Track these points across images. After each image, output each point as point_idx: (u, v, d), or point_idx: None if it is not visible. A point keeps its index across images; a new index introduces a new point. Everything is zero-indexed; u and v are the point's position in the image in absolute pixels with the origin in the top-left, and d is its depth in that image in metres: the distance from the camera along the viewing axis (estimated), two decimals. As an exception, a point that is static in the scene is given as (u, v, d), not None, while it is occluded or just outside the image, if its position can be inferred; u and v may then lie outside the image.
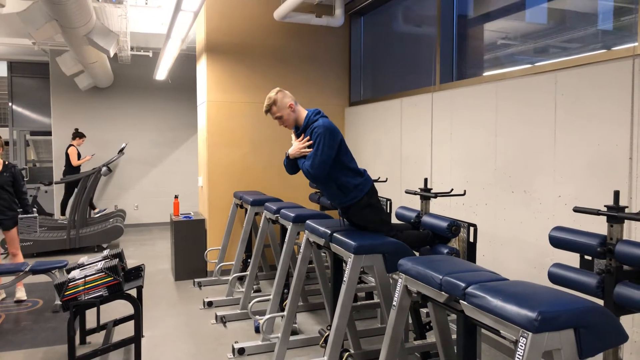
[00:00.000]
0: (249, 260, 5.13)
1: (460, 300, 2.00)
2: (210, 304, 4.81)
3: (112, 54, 6.27)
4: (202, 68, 5.95)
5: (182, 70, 8.82)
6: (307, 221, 3.56)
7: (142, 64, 8.96)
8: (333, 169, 3.12)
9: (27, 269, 4.49)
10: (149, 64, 8.68)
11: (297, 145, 3.17)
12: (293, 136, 3.31)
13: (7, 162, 5.04)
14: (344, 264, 3.19)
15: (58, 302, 4.47)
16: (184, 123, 9.62)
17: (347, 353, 3.07)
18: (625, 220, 2.34)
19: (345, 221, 3.42)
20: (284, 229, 4.26)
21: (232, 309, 4.60)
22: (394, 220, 3.72)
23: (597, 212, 2.39)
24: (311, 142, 3.09)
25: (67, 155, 8.32)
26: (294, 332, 3.93)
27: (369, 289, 4.61)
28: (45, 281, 5.23)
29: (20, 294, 5.04)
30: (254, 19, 5.89)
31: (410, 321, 3.42)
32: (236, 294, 4.94)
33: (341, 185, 3.17)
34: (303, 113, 3.23)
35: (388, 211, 4.09)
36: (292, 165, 3.27)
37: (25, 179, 9.21)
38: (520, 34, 4.34)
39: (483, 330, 3.01)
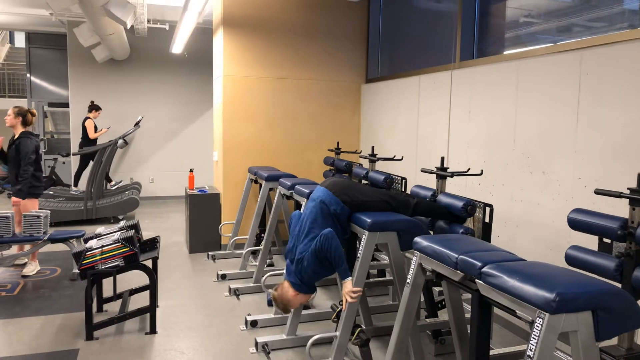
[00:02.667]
0: (262, 234, 5.17)
1: (476, 280, 1.99)
2: (223, 276, 4.87)
3: (129, 26, 6.24)
4: (219, 42, 5.90)
5: (198, 44, 8.78)
6: (322, 197, 3.55)
7: (158, 36, 8.92)
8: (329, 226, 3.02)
9: (45, 238, 4.58)
10: (166, 37, 8.64)
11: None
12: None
13: (22, 132, 4.98)
14: (357, 241, 3.20)
15: (76, 270, 4.58)
16: (200, 97, 9.61)
17: (359, 328, 3.10)
18: (648, 204, 2.28)
19: None
20: (298, 205, 4.26)
21: (245, 282, 4.66)
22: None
23: (619, 195, 2.34)
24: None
25: (83, 127, 8.39)
26: (306, 307, 3.97)
27: (381, 266, 4.62)
28: (63, 250, 5.34)
29: (29, 268, 4.93)
30: (271, -8, 5.80)
31: (422, 299, 3.43)
32: (249, 268, 4.99)
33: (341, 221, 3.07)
34: None
35: (403, 189, 4.06)
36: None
37: (42, 150, 9.26)
38: (543, 12, 4.20)
39: (495, 311, 3.00)
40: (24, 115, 5.02)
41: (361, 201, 3.11)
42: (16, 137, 4.99)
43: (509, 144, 3.83)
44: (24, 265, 5.06)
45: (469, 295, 2.24)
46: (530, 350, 1.66)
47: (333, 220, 3.02)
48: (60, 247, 5.14)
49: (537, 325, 1.66)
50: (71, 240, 4.71)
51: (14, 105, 5.13)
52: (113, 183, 8.84)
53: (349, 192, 3.12)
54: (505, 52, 4.30)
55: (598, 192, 2.47)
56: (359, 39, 6.31)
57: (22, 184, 4.88)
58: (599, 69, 3.09)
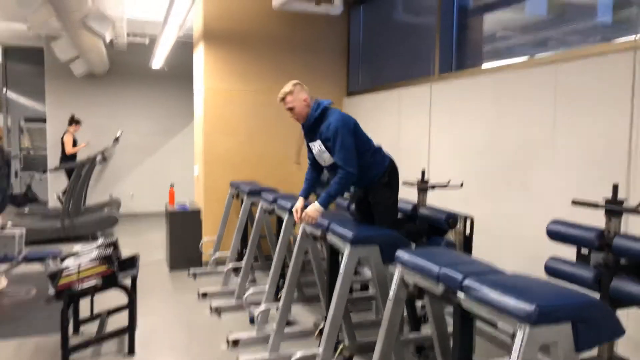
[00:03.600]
0: (244, 250, 5.11)
1: (458, 292, 1.99)
2: (205, 294, 4.79)
3: (108, 40, 6.19)
4: (199, 55, 5.88)
5: (178, 58, 8.72)
6: (304, 212, 3.53)
7: (138, 51, 8.86)
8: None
9: (20, 258, 4.45)
10: (146, 51, 8.58)
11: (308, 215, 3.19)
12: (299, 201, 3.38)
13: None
14: (340, 256, 3.18)
15: (51, 291, 4.45)
16: (181, 111, 9.53)
17: (342, 345, 3.07)
18: (624, 214, 2.32)
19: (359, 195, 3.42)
20: (280, 220, 4.23)
21: (227, 300, 4.58)
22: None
23: (595, 205, 2.37)
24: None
25: (62, 142, 8.24)
26: (289, 324, 3.92)
27: (364, 280, 4.60)
28: (38, 270, 5.19)
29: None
30: (252, 6, 5.81)
31: (405, 313, 3.41)
32: (231, 285, 4.92)
33: (361, 168, 3.15)
34: (311, 108, 3.24)
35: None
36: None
37: (9, 167, 8.96)
38: (520, 26, 4.29)
39: (478, 324, 3.00)
40: None
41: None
42: None
43: (488, 156, 3.87)
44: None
45: (451, 309, 2.24)
46: (512, 363, 1.65)
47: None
48: (36, 267, 4.99)
49: (518, 337, 1.66)
50: (47, 260, 4.58)
51: None
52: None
53: None
54: (483, 65, 4.36)
55: (575, 202, 2.51)
56: (340, 52, 6.36)
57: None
58: (572, 82, 3.16)
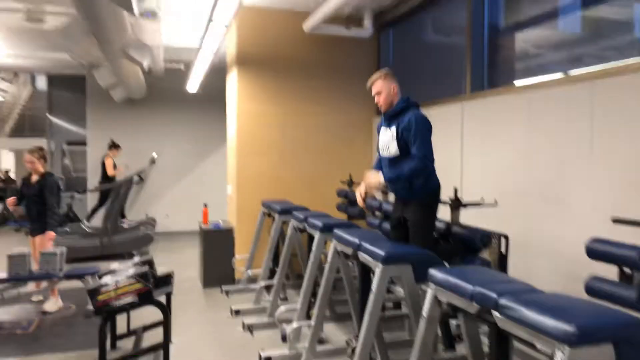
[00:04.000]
0: (276, 268, 5.14)
1: (493, 312, 1.95)
2: (237, 312, 4.83)
3: (146, 67, 6.44)
4: (233, 79, 6.04)
5: (212, 82, 8.96)
6: (335, 230, 3.55)
7: (174, 76, 9.17)
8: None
9: (60, 274, 4.61)
10: (181, 76, 8.87)
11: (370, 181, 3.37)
12: (372, 171, 3.49)
13: (45, 173, 5.07)
14: (371, 274, 3.16)
15: (90, 307, 4.57)
16: (214, 134, 9.77)
17: (375, 364, 3.03)
18: (668, 232, 2.24)
19: (398, 213, 3.47)
20: (311, 238, 4.25)
21: (259, 317, 4.61)
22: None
23: (638, 223, 2.30)
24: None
25: (103, 165, 8.55)
26: (321, 342, 3.90)
27: (396, 299, 4.54)
28: (78, 286, 5.35)
29: (49, 304, 4.98)
30: (284, 31, 5.96)
31: (439, 332, 3.35)
32: (263, 303, 4.94)
33: (412, 183, 3.27)
34: (396, 100, 3.39)
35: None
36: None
37: (60, 189, 9.38)
38: (553, 42, 4.25)
39: (515, 343, 2.92)
40: (45, 157, 5.12)
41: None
42: (36, 177, 5.05)
43: (523, 174, 3.81)
44: (42, 301, 5.08)
45: (487, 328, 2.19)
46: (552, 384, 1.60)
47: None
48: (75, 283, 5.15)
49: (557, 359, 1.61)
50: (86, 277, 4.72)
51: (30, 150, 5.11)
52: (125, 220, 8.89)
53: None
54: (516, 82, 4.33)
55: (616, 220, 2.44)
56: (370, 74, 6.29)
57: (51, 218, 4.98)
58: (610, 98, 3.10)
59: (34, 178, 5.07)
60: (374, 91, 3.39)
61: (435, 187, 3.35)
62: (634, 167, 2.92)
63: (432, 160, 3.22)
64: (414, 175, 3.21)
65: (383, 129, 3.45)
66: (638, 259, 2.24)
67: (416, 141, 3.18)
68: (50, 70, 10.75)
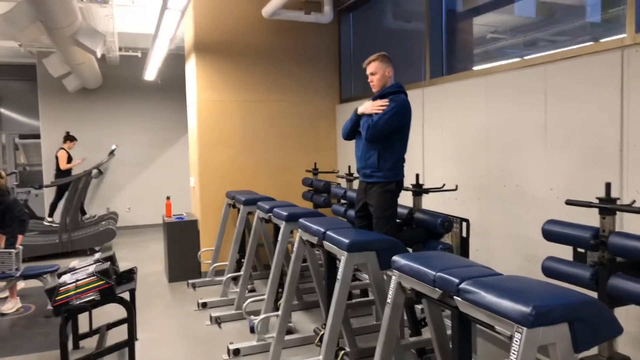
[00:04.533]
0: (242, 260, 5.10)
1: (454, 297, 1.99)
2: (204, 305, 4.78)
3: (99, 55, 6.20)
4: (192, 67, 5.90)
5: (171, 70, 8.74)
6: (300, 220, 3.54)
7: (130, 64, 8.88)
8: (386, 141, 3.30)
9: (18, 274, 4.44)
10: (138, 64, 8.60)
11: (372, 103, 3.34)
12: (368, 101, 3.45)
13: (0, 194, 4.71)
14: (337, 262, 3.18)
15: (50, 307, 4.42)
16: (175, 123, 9.54)
17: (343, 351, 3.06)
18: (617, 212, 2.34)
19: (361, 200, 3.48)
20: (277, 228, 4.23)
21: (227, 310, 4.57)
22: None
23: (589, 205, 2.39)
24: (386, 104, 3.27)
25: (57, 158, 8.23)
26: (289, 332, 3.91)
27: (363, 286, 4.59)
28: (36, 286, 5.17)
29: (8, 305, 4.77)
30: (242, 17, 5.84)
31: (405, 317, 3.41)
32: (230, 295, 4.91)
33: (382, 158, 3.31)
34: (390, 83, 3.42)
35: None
36: (354, 125, 3.46)
37: (14, 183, 9.02)
38: (509, 28, 4.33)
39: (478, 325, 3.01)
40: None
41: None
42: None
43: (482, 158, 3.89)
44: (1, 301, 4.88)
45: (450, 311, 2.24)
46: (511, 365, 1.66)
47: None
48: (34, 283, 4.98)
49: (515, 340, 1.66)
50: (44, 276, 4.56)
51: None
52: (87, 216, 8.63)
53: None
54: (474, 68, 4.39)
55: (569, 202, 2.52)
56: (331, 60, 6.39)
57: (10, 242, 4.65)
58: (562, 82, 3.18)
59: None
60: (368, 71, 3.42)
61: (400, 179, 3.40)
62: (586, 149, 3.02)
63: (377, 135, 3.27)
64: (368, 135, 3.29)
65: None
66: (590, 239, 2.33)
67: (386, 113, 3.24)
68: (-3, 60, 10.21)
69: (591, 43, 3.25)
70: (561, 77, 3.19)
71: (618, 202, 2.34)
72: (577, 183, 3.08)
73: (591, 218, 2.64)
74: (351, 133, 3.52)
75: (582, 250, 2.44)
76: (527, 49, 4.03)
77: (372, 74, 3.41)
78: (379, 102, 3.31)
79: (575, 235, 2.41)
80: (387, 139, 3.30)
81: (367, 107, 3.36)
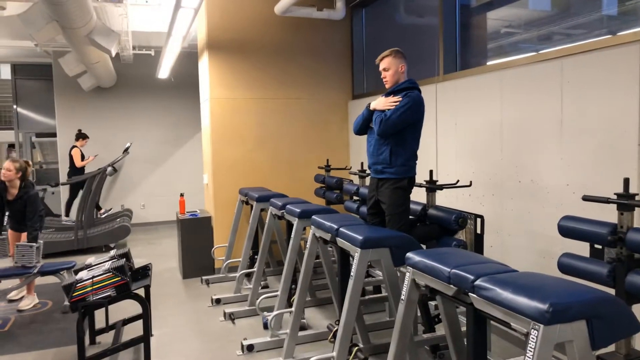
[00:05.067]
0: (255, 256, 5.13)
1: (469, 293, 1.98)
2: (218, 301, 4.81)
3: (114, 54, 6.26)
4: (204, 65, 5.93)
5: (184, 68, 8.80)
6: (313, 216, 3.55)
7: (144, 62, 8.94)
8: (398, 136, 3.27)
9: (35, 271, 4.51)
10: (152, 62, 8.66)
11: (385, 99, 3.32)
12: (381, 96, 3.43)
13: (24, 185, 4.79)
14: (350, 259, 3.18)
15: (67, 303, 4.49)
16: (188, 121, 9.60)
17: (356, 347, 3.06)
18: (636, 208, 2.30)
19: (373, 197, 3.47)
20: (290, 225, 4.24)
21: (240, 306, 4.60)
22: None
23: (607, 200, 2.35)
24: (399, 100, 3.24)
25: (70, 156, 8.34)
26: (303, 328, 3.92)
27: (376, 282, 4.59)
28: (54, 282, 5.25)
29: (25, 302, 4.87)
30: (254, 15, 5.85)
31: (419, 314, 3.40)
32: (244, 291, 4.94)
33: (394, 153, 3.29)
34: (403, 80, 3.38)
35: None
36: (366, 120, 3.44)
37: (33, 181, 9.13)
38: (523, 22, 4.28)
39: (493, 322, 3.00)
40: (24, 171, 4.79)
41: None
42: (17, 190, 4.77)
43: (496, 154, 3.85)
44: (20, 299, 4.97)
45: (464, 308, 2.23)
46: (527, 363, 1.64)
47: None
48: (51, 279, 5.05)
49: (532, 337, 1.64)
50: (61, 272, 4.63)
51: (12, 159, 4.83)
52: (103, 211, 8.75)
53: None
54: (488, 63, 4.35)
55: (586, 198, 2.49)
56: (344, 56, 6.37)
57: (32, 236, 4.69)
58: (579, 76, 3.14)
59: (13, 192, 4.76)
60: (381, 67, 3.40)
61: (412, 175, 3.37)
62: (603, 144, 2.98)
63: (388, 130, 3.24)
64: (381, 130, 3.26)
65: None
66: (607, 235, 2.30)
67: (399, 109, 3.21)
68: (14, 59, 10.36)
69: (608, 36, 3.20)
70: (578, 71, 3.14)
71: (637, 198, 2.30)
72: (593, 179, 3.04)
73: (608, 214, 2.61)
74: (362, 128, 3.50)
75: (599, 247, 2.41)
76: (541, 43, 3.98)
77: (385, 69, 3.38)
78: (392, 98, 3.29)
79: (592, 232, 2.38)
80: (399, 134, 3.27)
81: (380, 102, 3.34)
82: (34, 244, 4.52)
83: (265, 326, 4.09)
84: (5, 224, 4.91)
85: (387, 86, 3.41)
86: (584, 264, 2.41)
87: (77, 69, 7.99)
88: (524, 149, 3.58)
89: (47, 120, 11.12)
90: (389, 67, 3.36)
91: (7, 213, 4.88)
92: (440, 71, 4.61)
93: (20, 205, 4.79)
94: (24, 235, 4.81)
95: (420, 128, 3.37)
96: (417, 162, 3.42)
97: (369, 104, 3.42)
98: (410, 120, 3.25)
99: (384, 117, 3.24)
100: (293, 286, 4.09)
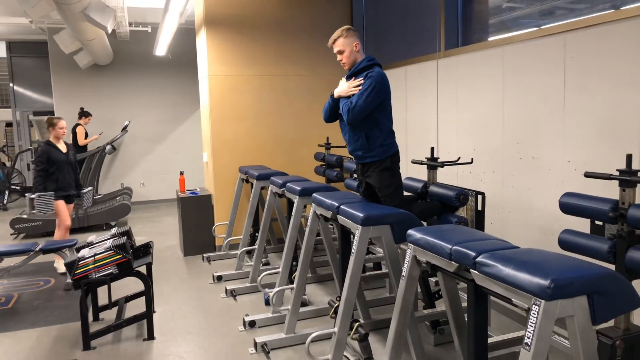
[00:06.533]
0: (256, 234, 5.15)
1: (471, 270, 1.99)
2: (219, 278, 4.85)
3: (109, 30, 6.17)
4: (202, 42, 5.84)
5: (182, 45, 8.70)
6: (314, 194, 3.55)
7: (141, 39, 8.83)
8: (369, 119, 3.14)
9: (37, 249, 4.53)
10: (148, 39, 8.54)
11: (347, 84, 3.19)
12: (342, 80, 3.30)
13: (66, 142, 5.35)
14: (351, 236, 3.19)
15: (69, 280, 4.53)
16: (187, 98, 9.54)
17: (357, 323, 3.10)
18: (638, 184, 2.30)
19: (361, 186, 3.41)
20: (290, 203, 4.25)
21: (242, 283, 4.65)
22: (401, 190, 3.69)
23: (609, 177, 2.35)
24: (362, 83, 3.10)
25: (74, 134, 8.30)
26: (304, 304, 3.96)
27: (376, 259, 4.62)
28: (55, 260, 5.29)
29: (60, 264, 5.18)
30: (253, -11, 5.74)
31: (419, 290, 3.43)
32: (245, 268, 4.98)
33: (370, 138, 3.18)
34: (360, 58, 3.24)
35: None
36: (333, 107, 3.32)
37: (30, 160, 9.22)
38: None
39: (492, 298, 3.03)
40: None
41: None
42: (64, 145, 5.27)
43: (497, 131, 3.83)
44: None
45: (465, 284, 2.24)
46: (528, 337, 1.66)
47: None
48: (53, 257, 5.09)
49: (533, 313, 1.66)
50: (63, 250, 4.66)
51: (57, 117, 5.32)
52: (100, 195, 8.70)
53: None
54: (489, 39, 4.29)
55: (588, 175, 2.49)
56: (344, 32, 6.27)
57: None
58: (582, 51, 3.10)
59: (62, 145, 5.26)
60: (335, 50, 3.25)
61: (392, 153, 3.25)
62: (605, 120, 2.96)
63: (357, 115, 3.09)
64: (350, 119, 3.13)
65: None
66: (608, 211, 2.30)
67: (363, 93, 3.07)
68: (9, 37, 10.21)
69: (612, 11, 3.14)
70: (581, 46, 3.10)
71: (639, 174, 2.30)
72: (595, 155, 3.03)
73: (608, 191, 2.61)
74: (332, 116, 3.38)
75: (599, 223, 2.41)
76: (544, 18, 3.91)
77: (340, 52, 3.22)
78: (354, 82, 3.15)
79: (593, 208, 2.38)
80: (370, 117, 3.14)
81: (343, 89, 3.20)
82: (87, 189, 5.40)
83: (267, 302, 4.14)
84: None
85: (345, 68, 3.29)
86: (584, 240, 2.42)
87: (72, 46, 7.89)
88: (526, 126, 3.56)
89: (45, 98, 11.03)
90: (343, 49, 3.20)
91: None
92: (441, 47, 4.55)
93: (72, 157, 5.39)
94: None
95: (389, 105, 3.23)
96: (395, 137, 3.29)
97: (333, 92, 3.29)
98: (377, 101, 3.10)
99: (350, 105, 3.10)
100: (294, 263, 4.12)
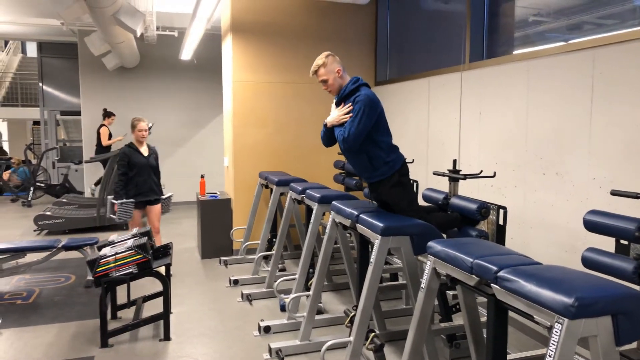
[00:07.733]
0: (274, 239, 5.17)
1: (492, 284, 1.97)
2: (236, 282, 4.88)
3: (139, 34, 6.29)
4: (228, 48, 5.92)
5: (207, 50, 8.82)
6: (333, 202, 3.55)
7: (168, 43, 8.99)
8: (367, 141, 3.10)
9: (59, 245, 4.62)
10: (175, 43, 8.69)
11: (336, 113, 3.18)
12: (333, 105, 3.29)
13: (149, 145, 5.25)
14: (370, 246, 3.18)
15: (90, 277, 4.60)
16: (210, 103, 9.65)
17: (373, 333, 3.08)
18: (666, 205, 2.25)
19: (373, 201, 3.40)
20: (309, 209, 4.26)
21: (258, 288, 4.66)
22: (421, 202, 3.68)
23: (636, 196, 2.31)
24: (351, 109, 3.07)
25: (98, 134, 8.46)
26: (319, 312, 3.96)
27: (393, 270, 4.59)
28: (77, 257, 5.38)
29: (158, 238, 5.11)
30: (279, -3, 5.81)
31: (436, 303, 3.39)
32: (262, 273, 4.99)
33: (372, 158, 3.14)
34: (345, 82, 3.23)
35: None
36: (329, 135, 3.30)
37: (55, 158, 9.41)
38: (553, 10, 4.16)
39: (510, 314, 2.98)
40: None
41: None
42: (145, 148, 5.18)
43: (521, 145, 3.79)
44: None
45: (484, 299, 2.22)
46: (550, 356, 1.63)
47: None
48: (74, 254, 5.18)
49: (555, 331, 1.63)
50: (85, 248, 4.74)
51: (138, 118, 5.26)
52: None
53: None
54: (515, 52, 4.26)
55: (614, 193, 2.44)
56: (367, 41, 6.30)
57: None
58: (612, 67, 3.05)
59: (145, 149, 5.15)
60: (319, 80, 3.22)
61: (398, 168, 3.18)
62: (633, 138, 2.90)
63: (355, 139, 3.03)
64: (347, 147, 3.10)
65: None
66: (635, 231, 2.25)
67: (354, 119, 3.03)
68: (40, 37, 10.51)
69: (643, 27, 3.10)
70: (610, 62, 3.06)
71: (667, 194, 2.25)
72: (621, 174, 2.97)
73: (634, 210, 2.56)
74: (330, 142, 3.35)
75: (625, 242, 2.37)
76: (570, 33, 3.87)
77: (323, 81, 3.21)
78: (343, 109, 3.13)
79: (619, 227, 2.33)
80: (368, 139, 3.09)
81: (334, 118, 3.17)
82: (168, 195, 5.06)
83: (283, 308, 4.14)
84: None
85: (332, 95, 3.27)
86: (609, 260, 2.37)
87: (102, 48, 8.07)
88: (550, 141, 3.51)
89: (72, 98, 11.30)
90: (326, 78, 3.19)
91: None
92: (466, 59, 4.53)
93: (153, 161, 5.25)
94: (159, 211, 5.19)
95: (384, 121, 3.18)
96: (398, 149, 3.24)
97: (325, 121, 3.28)
98: (369, 124, 3.04)
99: (343, 133, 3.06)
100: (311, 270, 4.12)
